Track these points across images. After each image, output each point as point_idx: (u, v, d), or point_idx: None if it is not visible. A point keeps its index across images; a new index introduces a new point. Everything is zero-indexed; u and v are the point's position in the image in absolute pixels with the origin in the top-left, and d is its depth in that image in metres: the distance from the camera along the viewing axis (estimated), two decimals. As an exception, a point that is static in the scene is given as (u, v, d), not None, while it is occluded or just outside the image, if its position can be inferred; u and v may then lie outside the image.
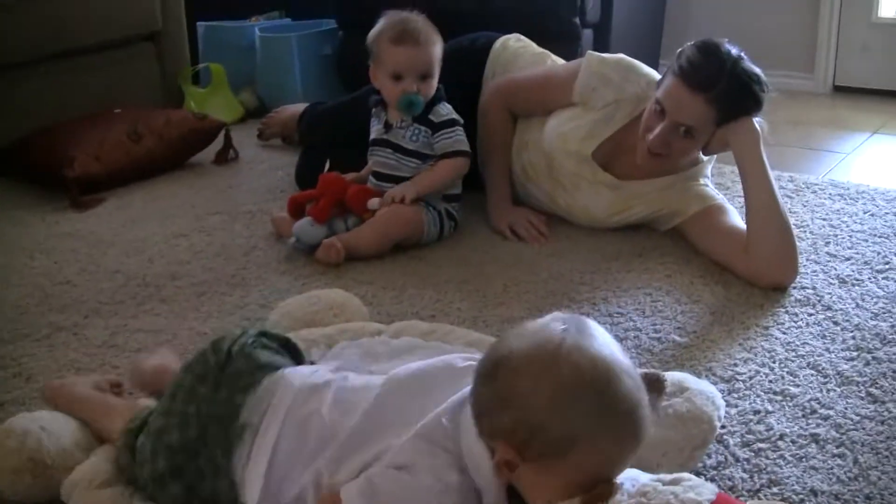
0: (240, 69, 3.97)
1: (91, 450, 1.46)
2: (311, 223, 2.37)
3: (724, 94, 2.13)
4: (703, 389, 1.50)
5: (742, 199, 2.24)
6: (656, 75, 2.41)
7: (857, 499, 1.40)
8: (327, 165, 2.59)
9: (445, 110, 2.45)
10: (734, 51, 2.16)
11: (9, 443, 1.41)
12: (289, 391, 1.34)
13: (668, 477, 1.16)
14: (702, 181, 2.41)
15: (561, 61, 2.67)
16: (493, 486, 1.18)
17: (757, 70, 2.18)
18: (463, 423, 1.21)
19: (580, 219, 2.52)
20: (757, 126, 2.18)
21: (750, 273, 2.16)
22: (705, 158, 2.41)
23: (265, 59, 3.97)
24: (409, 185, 2.40)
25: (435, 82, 2.43)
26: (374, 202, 2.39)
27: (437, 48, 2.41)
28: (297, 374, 1.38)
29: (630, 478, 1.17)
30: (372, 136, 2.52)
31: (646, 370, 1.49)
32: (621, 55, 2.50)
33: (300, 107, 3.32)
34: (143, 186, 3.00)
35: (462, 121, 2.46)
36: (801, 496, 1.40)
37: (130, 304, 2.13)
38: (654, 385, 1.43)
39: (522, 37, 2.79)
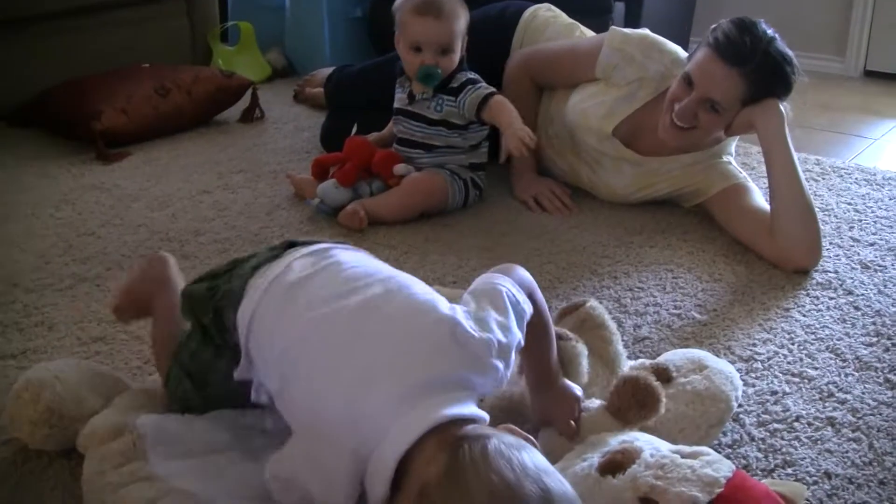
0: (268, 29, 3.97)
1: (108, 396, 1.48)
2: (335, 185, 2.37)
3: (757, 72, 2.11)
4: (721, 368, 1.51)
5: (767, 180, 2.23)
6: (681, 53, 2.39)
7: (870, 483, 1.40)
8: (354, 129, 2.58)
9: (463, 75, 2.40)
10: (770, 31, 2.14)
11: (25, 395, 1.43)
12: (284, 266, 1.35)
13: (687, 449, 1.18)
14: (725, 158, 2.40)
15: (591, 33, 2.65)
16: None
17: (790, 53, 2.16)
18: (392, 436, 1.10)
19: (603, 194, 2.52)
20: (782, 109, 2.17)
21: (774, 255, 2.15)
22: (727, 138, 2.39)
23: (294, 20, 3.96)
24: (515, 128, 2.25)
25: (456, 57, 2.38)
26: (400, 168, 2.40)
27: (461, 22, 2.36)
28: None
29: (651, 446, 1.18)
30: (396, 104, 2.50)
31: (653, 361, 1.51)
32: (645, 31, 2.46)
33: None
34: (169, 142, 3.01)
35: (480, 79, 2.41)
36: (815, 478, 1.41)
37: (154, 258, 2.15)
38: (661, 377, 1.46)
39: (553, 7, 2.77)
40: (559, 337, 1.45)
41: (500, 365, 1.20)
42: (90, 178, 2.67)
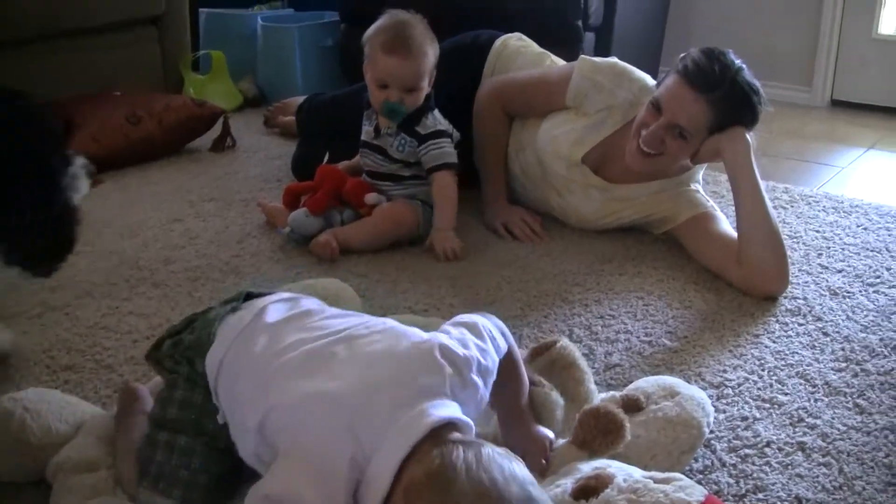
0: (240, 58, 3.98)
1: (77, 425, 1.47)
2: (306, 214, 2.37)
3: (725, 100, 2.14)
4: (693, 395, 1.51)
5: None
6: (650, 80, 2.42)
7: (841, 508, 1.41)
8: (326, 157, 2.59)
9: (432, 121, 2.40)
10: (738, 61, 2.18)
11: None
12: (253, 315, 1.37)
13: (659, 475, 1.18)
14: (692, 186, 2.42)
15: (561, 62, 2.67)
16: None
17: (757, 83, 2.19)
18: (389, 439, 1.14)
19: (573, 220, 2.53)
20: (748, 137, 2.19)
21: (742, 282, 2.17)
22: (694, 166, 2.41)
23: (266, 49, 3.98)
24: (447, 234, 2.36)
25: (422, 94, 2.38)
26: (371, 197, 2.39)
27: (429, 59, 2.36)
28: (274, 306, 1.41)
29: (623, 472, 1.18)
30: (363, 136, 2.49)
31: (623, 392, 1.52)
32: (614, 60, 2.49)
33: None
34: (140, 170, 3.00)
35: (450, 130, 2.43)
36: (787, 503, 1.41)
37: (124, 286, 2.14)
38: (632, 406, 1.47)
39: (524, 36, 2.80)
40: (533, 383, 1.47)
41: (481, 383, 1.25)
42: (60, 206, 2.65)
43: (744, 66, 2.18)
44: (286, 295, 1.45)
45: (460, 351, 1.24)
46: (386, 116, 2.38)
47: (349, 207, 2.42)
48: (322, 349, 1.27)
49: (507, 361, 1.36)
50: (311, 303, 1.44)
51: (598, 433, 1.33)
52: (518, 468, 1.07)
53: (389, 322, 1.36)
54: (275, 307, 1.39)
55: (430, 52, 2.36)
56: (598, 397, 1.53)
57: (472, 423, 1.20)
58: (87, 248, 2.34)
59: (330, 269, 2.23)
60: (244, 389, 1.28)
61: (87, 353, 1.82)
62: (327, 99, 3.04)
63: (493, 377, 1.30)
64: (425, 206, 2.42)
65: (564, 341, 1.60)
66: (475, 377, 1.24)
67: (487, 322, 1.36)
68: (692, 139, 2.20)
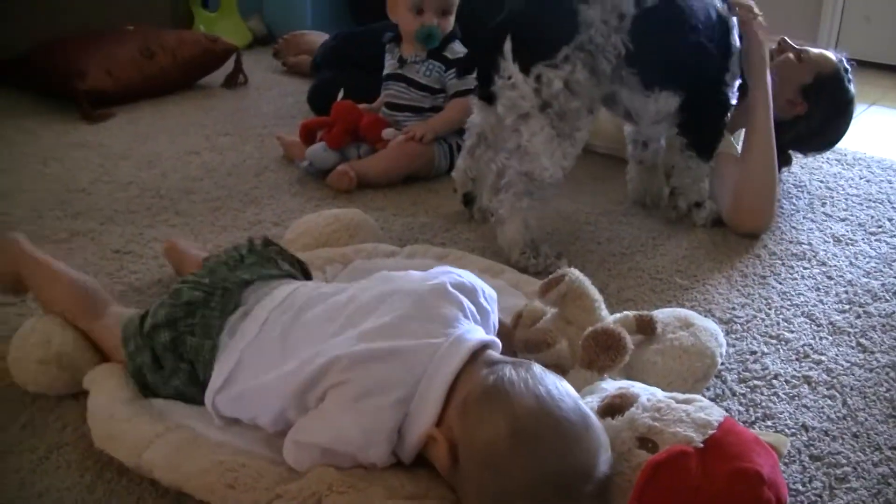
0: (250, -5, 3.98)
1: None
2: (324, 148, 2.41)
3: None
4: (707, 326, 1.57)
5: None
6: None
7: (844, 436, 1.47)
8: (341, 94, 2.62)
9: (459, 48, 2.51)
10: None
11: (33, 337, 1.45)
12: (294, 296, 1.38)
13: (680, 396, 1.23)
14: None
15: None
16: (414, 441, 1.18)
17: None
18: (436, 366, 1.19)
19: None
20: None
21: (729, 215, 2.24)
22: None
23: (275, -14, 3.98)
24: (426, 125, 2.44)
25: (453, 19, 2.49)
26: (388, 132, 2.44)
27: None
28: (307, 288, 1.42)
29: (647, 392, 1.24)
30: (386, 70, 2.57)
31: (637, 312, 1.57)
32: None
33: (319, 35, 3.37)
34: (153, 104, 3.04)
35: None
36: (793, 430, 1.48)
37: (146, 214, 2.18)
38: (646, 327, 1.52)
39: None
40: (547, 343, 1.46)
41: (490, 308, 1.34)
42: (75, 137, 2.69)
43: None
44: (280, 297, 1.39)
45: (466, 280, 1.32)
46: (422, 41, 2.45)
47: (366, 143, 2.46)
48: (349, 302, 1.31)
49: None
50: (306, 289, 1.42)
51: (601, 351, 1.37)
52: (566, 383, 1.14)
53: (383, 274, 1.40)
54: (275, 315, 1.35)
55: None
56: (611, 318, 1.57)
57: (499, 342, 1.27)
58: (106, 177, 2.39)
59: (347, 202, 2.28)
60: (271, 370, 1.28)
61: (115, 276, 1.86)
62: (346, 33, 3.08)
63: (496, 303, 1.37)
64: (440, 141, 2.48)
65: (573, 272, 1.59)
66: (485, 303, 1.32)
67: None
68: None
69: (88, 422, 1.34)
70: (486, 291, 1.36)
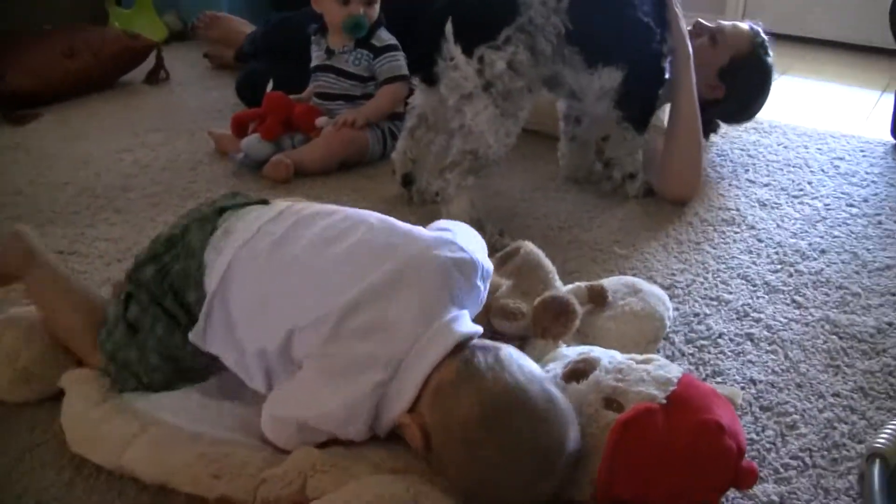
0: (164, -10, 3.93)
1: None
2: (259, 139, 2.42)
3: None
4: (654, 291, 1.64)
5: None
6: None
7: (789, 387, 1.55)
8: (270, 85, 2.63)
9: (386, 36, 2.53)
10: None
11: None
12: (273, 215, 1.39)
13: (639, 357, 1.29)
14: None
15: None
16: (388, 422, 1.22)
17: None
18: (419, 352, 1.21)
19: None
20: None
21: (660, 184, 2.32)
22: None
23: (190, -20, 3.94)
24: (357, 111, 2.47)
25: (378, 7, 2.51)
26: (321, 120, 2.46)
27: None
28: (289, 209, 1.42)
29: (607, 355, 1.30)
30: (314, 62, 2.58)
31: (588, 283, 1.63)
32: None
33: (242, 23, 3.36)
34: (78, 104, 2.99)
35: (400, 46, 2.54)
36: (742, 384, 1.55)
37: (85, 213, 2.17)
38: (597, 296, 1.58)
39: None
40: (514, 316, 1.48)
41: (482, 287, 1.34)
42: (4, 140, 2.64)
43: None
44: (268, 213, 1.40)
45: (469, 257, 1.31)
46: (349, 31, 2.47)
47: (299, 133, 2.48)
48: (341, 252, 1.31)
49: None
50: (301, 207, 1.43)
51: (552, 318, 1.43)
52: (533, 366, 1.19)
53: (389, 223, 1.41)
54: (270, 226, 1.37)
55: None
56: (565, 289, 1.61)
57: (480, 328, 1.28)
58: (42, 178, 2.36)
59: (285, 193, 2.29)
60: (253, 306, 1.30)
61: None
62: (276, 21, 3.07)
63: (490, 279, 1.40)
64: (373, 127, 2.50)
65: (528, 245, 1.64)
66: (479, 282, 1.33)
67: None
68: None
69: (63, 426, 1.34)
70: (485, 268, 1.36)
